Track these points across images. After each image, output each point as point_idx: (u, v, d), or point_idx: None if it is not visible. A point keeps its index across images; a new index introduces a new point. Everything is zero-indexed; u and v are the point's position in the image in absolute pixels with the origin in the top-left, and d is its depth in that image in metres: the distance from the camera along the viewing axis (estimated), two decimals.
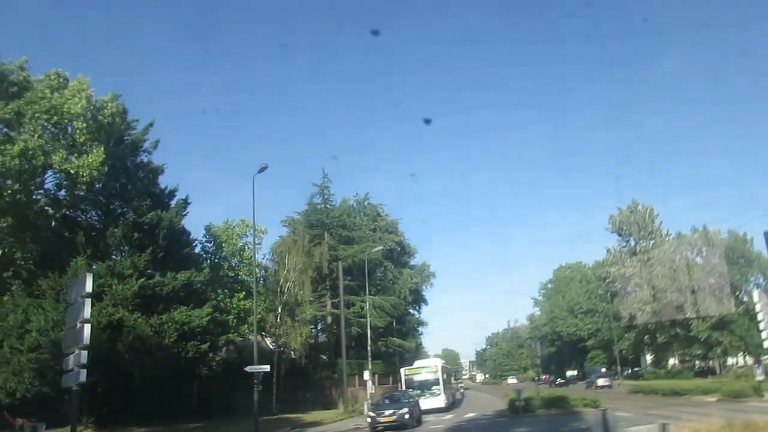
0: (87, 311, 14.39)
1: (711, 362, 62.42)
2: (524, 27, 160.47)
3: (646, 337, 66.76)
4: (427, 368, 39.45)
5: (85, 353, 14.12)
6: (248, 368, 28.50)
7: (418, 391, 35.85)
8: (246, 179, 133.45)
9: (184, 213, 33.98)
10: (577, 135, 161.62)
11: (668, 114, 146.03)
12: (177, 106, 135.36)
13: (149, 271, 29.68)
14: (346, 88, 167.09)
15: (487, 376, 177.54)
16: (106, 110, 28.64)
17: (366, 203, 64.24)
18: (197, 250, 37.43)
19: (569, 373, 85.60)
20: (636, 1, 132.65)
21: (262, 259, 50.19)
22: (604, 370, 77.97)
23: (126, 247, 30.07)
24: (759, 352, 39.82)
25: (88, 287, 14.47)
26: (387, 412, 25.78)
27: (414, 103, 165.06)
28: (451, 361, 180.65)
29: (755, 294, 27.69)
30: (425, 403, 34.30)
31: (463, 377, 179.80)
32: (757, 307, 25.50)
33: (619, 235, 71.21)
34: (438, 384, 37.33)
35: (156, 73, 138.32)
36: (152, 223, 30.52)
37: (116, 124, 30.34)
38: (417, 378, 38.38)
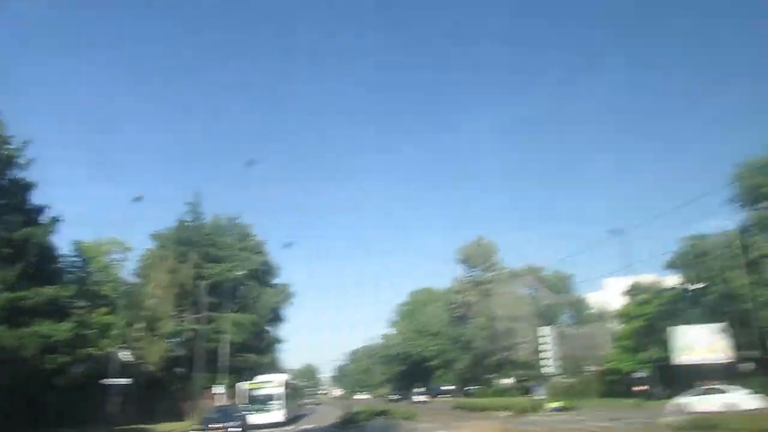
0: None
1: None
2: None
3: (484, 359, 74.83)
4: (269, 383, 41.11)
5: None
6: (104, 381, 31.03)
7: (259, 405, 38.11)
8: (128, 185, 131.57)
9: (51, 230, 35.46)
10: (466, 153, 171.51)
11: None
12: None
13: (17, 284, 31.10)
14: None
15: (346, 391, 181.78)
16: None
17: (236, 222, 67.06)
18: (64, 264, 38.70)
19: (416, 390, 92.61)
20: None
21: (128, 273, 51.82)
22: (453, 387, 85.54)
23: None
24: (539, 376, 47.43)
25: None
26: (217, 425, 28.42)
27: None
28: (310, 376, 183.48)
29: (540, 329, 34.49)
30: (265, 417, 36.91)
31: (321, 392, 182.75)
32: (540, 340, 32.10)
33: (466, 265, 79.55)
34: (279, 399, 39.35)
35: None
36: (22, 239, 32.10)
37: None
38: (258, 393, 40.01)
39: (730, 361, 38.60)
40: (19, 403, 30.21)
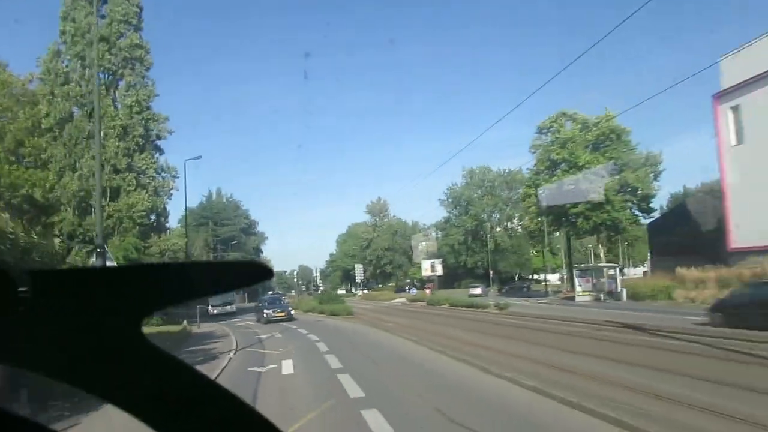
0: None
1: None
2: None
3: (377, 270, 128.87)
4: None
5: None
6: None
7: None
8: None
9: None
10: None
11: None
12: None
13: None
14: None
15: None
16: None
17: (231, 199, 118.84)
18: None
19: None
20: None
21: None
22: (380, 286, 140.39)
23: None
24: None
25: None
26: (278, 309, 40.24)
27: None
28: (305, 276, 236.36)
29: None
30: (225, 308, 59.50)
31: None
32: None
33: (370, 215, 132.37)
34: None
35: None
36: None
37: None
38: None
39: None
40: None
